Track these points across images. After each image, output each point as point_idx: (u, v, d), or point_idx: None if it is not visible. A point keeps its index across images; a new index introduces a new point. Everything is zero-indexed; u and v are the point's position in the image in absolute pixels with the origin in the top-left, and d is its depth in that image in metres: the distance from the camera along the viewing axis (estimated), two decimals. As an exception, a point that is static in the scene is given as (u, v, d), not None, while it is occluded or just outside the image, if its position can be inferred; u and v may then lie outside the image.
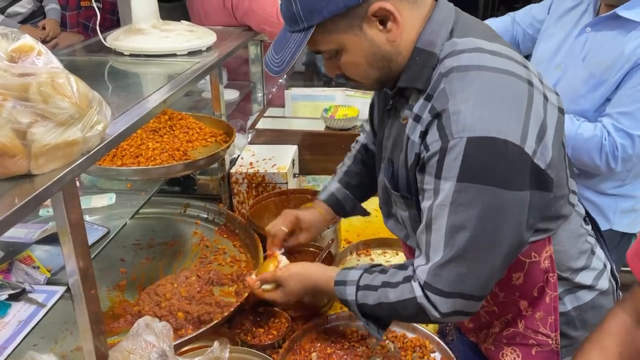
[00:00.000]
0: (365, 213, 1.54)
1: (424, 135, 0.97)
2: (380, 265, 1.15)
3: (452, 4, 1.04)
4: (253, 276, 1.32)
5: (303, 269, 1.24)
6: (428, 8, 1.01)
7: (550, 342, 1.11)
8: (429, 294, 0.99)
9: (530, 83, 0.97)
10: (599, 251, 1.18)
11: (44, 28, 2.99)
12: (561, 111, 1.03)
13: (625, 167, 1.54)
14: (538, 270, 1.07)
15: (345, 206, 1.45)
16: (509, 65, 0.97)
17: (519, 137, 0.91)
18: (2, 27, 0.92)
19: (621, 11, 1.49)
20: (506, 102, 0.93)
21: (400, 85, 1.04)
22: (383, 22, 0.97)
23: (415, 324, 1.42)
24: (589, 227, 1.20)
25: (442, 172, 0.93)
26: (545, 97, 0.99)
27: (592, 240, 1.18)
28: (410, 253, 1.25)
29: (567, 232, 1.09)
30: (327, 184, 1.48)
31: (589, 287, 1.14)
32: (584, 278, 1.13)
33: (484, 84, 0.94)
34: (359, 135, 1.99)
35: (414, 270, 1.03)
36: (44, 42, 2.93)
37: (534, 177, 0.94)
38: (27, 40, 0.93)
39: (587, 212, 1.21)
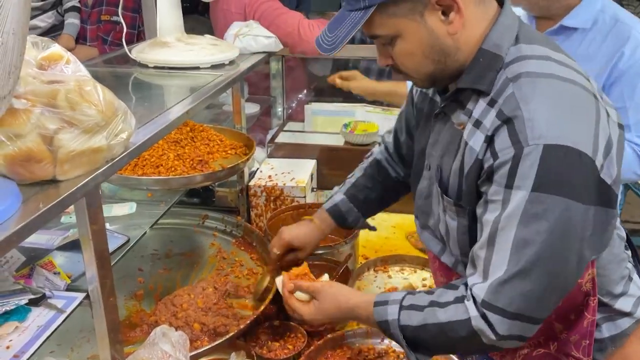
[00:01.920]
0: (370, 228, 1.51)
1: (490, 140, 0.93)
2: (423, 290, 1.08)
3: (514, 12, 1.03)
4: (281, 279, 1.27)
5: (343, 290, 1.16)
6: (494, 11, 0.99)
7: None
8: (487, 313, 0.92)
9: (595, 97, 0.95)
10: (636, 277, 1.15)
11: None
12: (621, 127, 1.00)
13: None
14: (579, 292, 1.03)
15: (347, 219, 1.42)
16: (576, 77, 0.95)
17: (591, 149, 0.89)
18: (33, 36, 0.94)
19: (567, 22, 1.54)
20: (578, 113, 0.91)
21: (460, 87, 1.00)
22: (445, 13, 0.95)
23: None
24: (629, 252, 1.16)
25: (515, 181, 0.89)
26: (607, 113, 0.97)
27: (630, 266, 1.15)
28: (441, 270, 1.21)
29: (611, 256, 1.06)
30: (334, 193, 1.46)
31: (629, 314, 1.10)
32: (624, 304, 1.10)
33: (556, 92, 0.92)
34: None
35: (468, 289, 0.95)
36: None
37: (600, 192, 0.91)
38: (56, 49, 0.94)
39: (627, 237, 1.17)
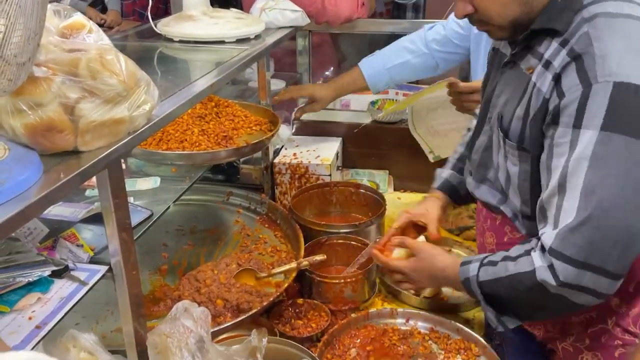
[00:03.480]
0: None
1: (557, 78, 0.90)
2: None
3: None
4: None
5: (441, 252, 1.18)
6: None
7: (637, 341, 1.02)
8: (553, 261, 0.88)
9: None
10: None
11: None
12: None
13: None
14: (639, 263, 0.98)
15: (459, 191, 1.40)
16: None
17: None
18: (54, 4, 0.92)
19: None
20: None
21: (534, 27, 0.97)
22: None
23: (461, 326, 1.36)
24: None
25: (583, 120, 0.85)
26: None
27: None
28: (492, 230, 1.18)
29: None
30: (440, 172, 1.45)
31: None
32: None
33: (634, 32, 0.87)
34: (405, 129, 1.95)
35: (538, 239, 0.94)
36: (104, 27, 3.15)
37: None
38: (78, 17, 0.93)
39: None
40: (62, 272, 0.95)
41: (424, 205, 1.40)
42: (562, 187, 0.88)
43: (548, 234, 0.90)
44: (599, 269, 0.86)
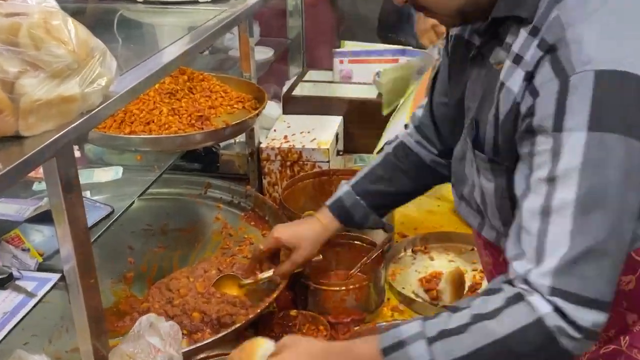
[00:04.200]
0: (385, 228, 1.45)
1: (530, 77, 0.89)
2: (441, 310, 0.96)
3: None
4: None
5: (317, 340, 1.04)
6: None
7: None
8: (562, 304, 0.82)
9: None
10: None
11: None
12: None
13: None
14: None
15: (354, 216, 1.35)
16: None
17: None
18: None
19: None
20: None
21: (495, 15, 0.97)
22: None
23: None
24: None
25: (565, 121, 0.83)
26: None
27: None
28: (487, 248, 1.18)
29: None
30: (341, 185, 1.40)
31: None
32: None
33: (611, 8, 0.87)
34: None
35: (521, 281, 0.86)
36: None
37: None
38: (17, -25, 0.92)
39: None
40: (5, 282, 0.96)
41: (303, 225, 1.40)
42: (546, 208, 0.85)
43: (537, 273, 0.84)
44: (601, 304, 0.83)
